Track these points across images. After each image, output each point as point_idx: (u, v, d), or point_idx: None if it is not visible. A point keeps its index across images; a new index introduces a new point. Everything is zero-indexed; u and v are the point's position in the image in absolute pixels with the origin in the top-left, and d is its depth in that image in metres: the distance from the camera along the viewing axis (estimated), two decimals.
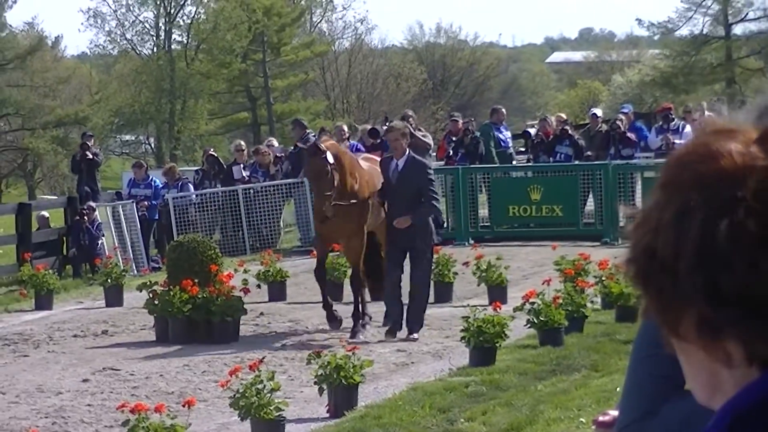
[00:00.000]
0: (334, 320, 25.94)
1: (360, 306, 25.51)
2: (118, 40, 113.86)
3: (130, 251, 43.60)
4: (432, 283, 32.04)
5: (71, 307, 35.62)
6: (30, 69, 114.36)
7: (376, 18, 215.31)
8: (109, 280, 35.90)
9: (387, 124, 48.93)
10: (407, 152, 23.34)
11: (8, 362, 26.65)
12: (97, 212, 44.25)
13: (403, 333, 25.26)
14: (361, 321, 25.23)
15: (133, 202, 44.77)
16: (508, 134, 48.36)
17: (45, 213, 47.21)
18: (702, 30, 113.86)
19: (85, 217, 42.71)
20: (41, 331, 30.98)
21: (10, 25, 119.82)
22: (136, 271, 40.93)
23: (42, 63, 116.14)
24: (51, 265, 39.82)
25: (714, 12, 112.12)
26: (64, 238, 44.52)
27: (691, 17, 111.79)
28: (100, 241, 43.49)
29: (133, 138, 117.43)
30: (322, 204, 23.87)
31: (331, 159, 23.61)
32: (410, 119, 47.96)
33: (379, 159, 25.86)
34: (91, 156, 48.53)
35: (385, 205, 24.28)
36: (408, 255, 24.12)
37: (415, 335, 24.39)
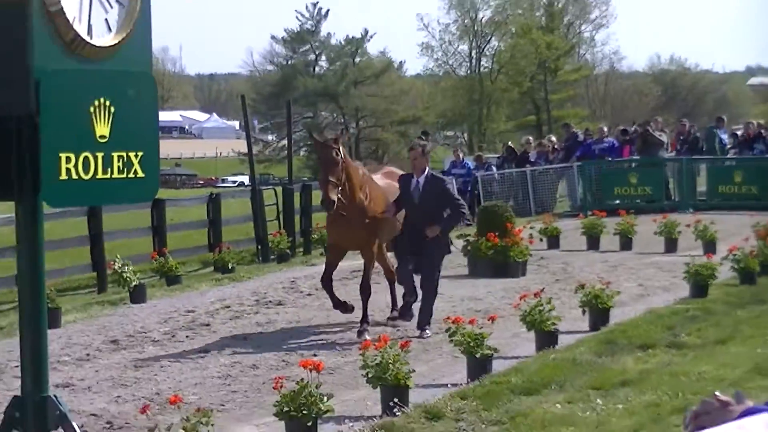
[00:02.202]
0: (345, 309, 21.55)
1: (365, 311, 21.09)
2: (442, 65, 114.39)
3: None
4: (663, 239, 32.29)
5: None
6: (381, 84, 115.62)
7: (625, 50, 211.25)
8: None
9: (635, 126, 48.98)
10: (426, 170, 20.20)
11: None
12: None
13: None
14: (367, 323, 20.99)
15: (452, 178, 44.90)
16: (726, 135, 48.02)
17: None
18: None
19: None
20: None
21: (369, 53, 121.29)
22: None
23: (389, 80, 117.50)
24: None
25: None
26: None
27: None
28: None
29: (452, 133, 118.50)
30: (328, 190, 19.86)
31: (341, 153, 20.29)
32: (658, 121, 48.23)
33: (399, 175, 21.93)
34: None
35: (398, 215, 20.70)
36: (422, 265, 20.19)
37: (427, 332, 20.10)
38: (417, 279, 20.72)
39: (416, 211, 19.29)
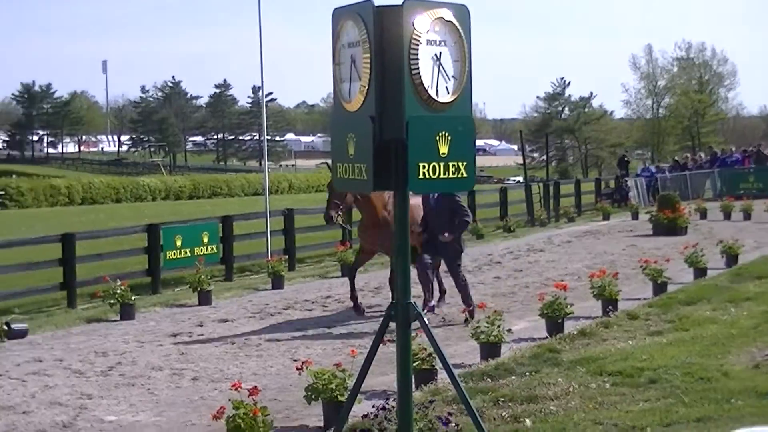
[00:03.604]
0: (358, 309, 15.86)
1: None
2: (636, 112, 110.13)
3: None
4: None
5: None
6: (600, 123, 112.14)
7: (745, 102, 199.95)
8: None
9: (752, 148, 47.32)
10: None
11: None
12: None
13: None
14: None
15: (642, 178, 43.89)
16: None
17: None
18: None
19: None
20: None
21: (592, 105, 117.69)
22: None
23: (605, 121, 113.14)
24: None
25: None
26: None
27: None
28: None
29: (641, 152, 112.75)
30: (329, 209, 15.32)
31: None
32: (765, 145, 46.63)
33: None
34: None
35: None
36: (445, 264, 15.76)
37: (473, 307, 14.74)
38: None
39: (434, 218, 15.21)
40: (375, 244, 16.08)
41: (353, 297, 15.93)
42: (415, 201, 15.26)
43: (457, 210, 15.10)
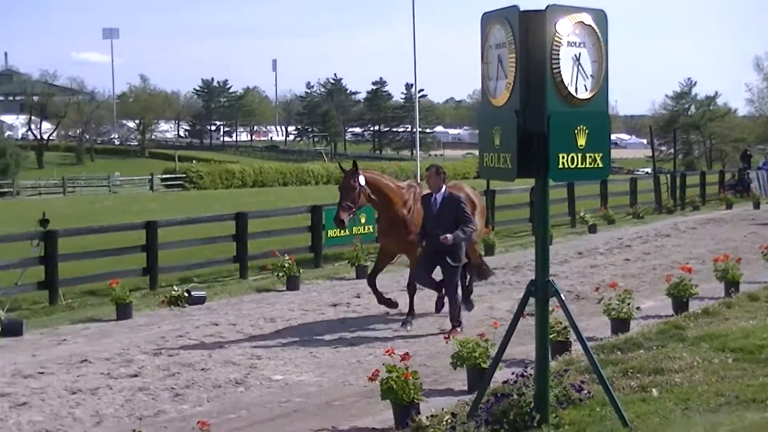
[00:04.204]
0: (390, 304, 13.80)
1: (411, 305, 13.34)
2: (758, 110, 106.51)
3: None
4: None
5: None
6: (724, 120, 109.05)
7: None
8: None
9: None
10: (443, 188, 12.54)
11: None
12: None
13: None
14: (410, 316, 13.12)
15: (763, 171, 42.51)
16: None
17: None
18: None
19: None
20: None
21: (717, 103, 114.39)
22: None
23: (729, 117, 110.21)
24: None
25: None
26: None
27: None
28: None
29: (762, 147, 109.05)
30: (340, 212, 13.05)
31: (362, 181, 13.10)
32: None
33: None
34: None
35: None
36: (440, 268, 12.61)
37: (458, 329, 12.17)
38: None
39: (437, 221, 12.51)
40: (395, 245, 13.85)
41: (380, 301, 13.86)
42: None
43: (460, 213, 12.51)
